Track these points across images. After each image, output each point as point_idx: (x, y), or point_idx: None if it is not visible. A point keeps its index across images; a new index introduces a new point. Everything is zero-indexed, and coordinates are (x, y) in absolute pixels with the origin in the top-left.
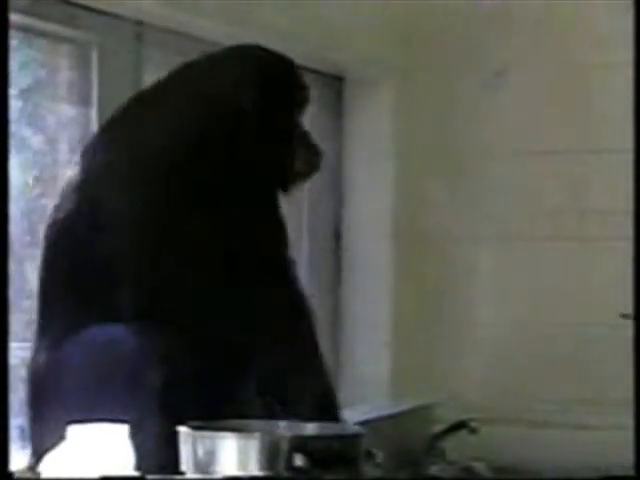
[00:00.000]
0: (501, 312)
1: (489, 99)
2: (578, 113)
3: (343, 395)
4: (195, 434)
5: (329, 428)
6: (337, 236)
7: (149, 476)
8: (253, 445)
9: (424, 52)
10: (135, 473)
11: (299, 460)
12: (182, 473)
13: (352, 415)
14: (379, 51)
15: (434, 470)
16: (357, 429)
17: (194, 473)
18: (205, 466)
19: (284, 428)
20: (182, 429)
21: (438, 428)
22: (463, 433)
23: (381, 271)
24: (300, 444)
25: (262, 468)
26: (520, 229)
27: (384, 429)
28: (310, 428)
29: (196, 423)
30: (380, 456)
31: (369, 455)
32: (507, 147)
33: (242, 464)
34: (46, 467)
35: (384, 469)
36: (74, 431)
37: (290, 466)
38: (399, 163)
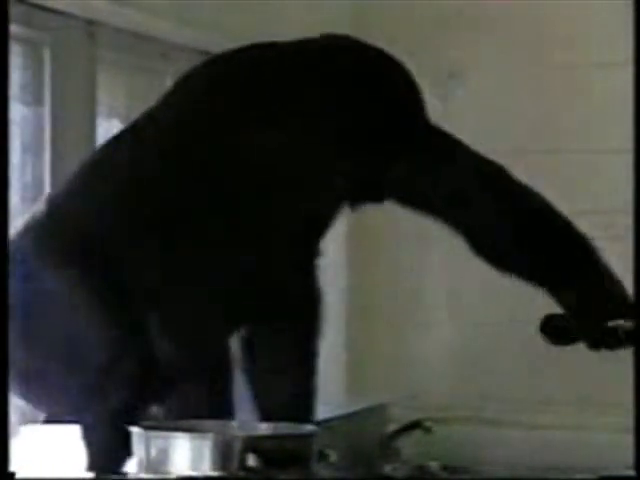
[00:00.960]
0: (456, 311)
1: (442, 100)
2: (536, 113)
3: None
4: (148, 434)
5: (282, 428)
6: None
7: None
8: (206, 445)
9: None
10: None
11: (252, 460)
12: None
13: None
14: None
15: (388, 469)
16: (310, 428)
17: (146, 473)
18: (158, 466)
19: (237, 428)
20: (134, 429)
21: (393, 427)
22: (418, 433)
23: (336, 268)
24: (253, 444)
25: (215, 468)
26: None
27: (338, 428)
28: (263, 428)
29: (149, 423)
30: (334, 455)
31: (322, 455)
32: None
33: (195, 464)
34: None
35: (338, 468)
36: (27, 431)
37: (243, 466)
38: None
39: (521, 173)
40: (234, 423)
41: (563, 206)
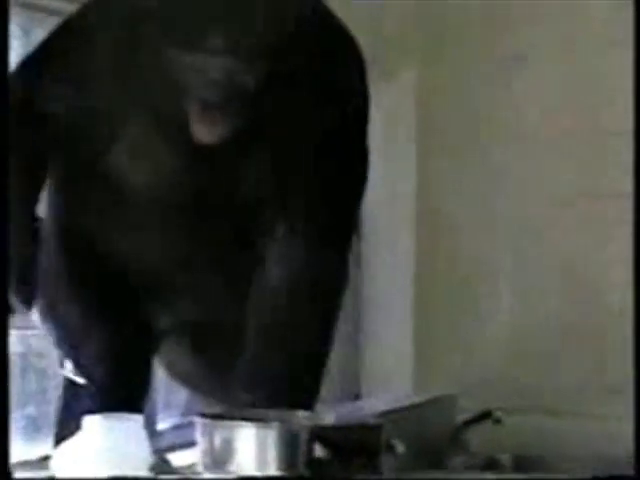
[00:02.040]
0: (522, 298)
1: (507, 83)
2: (593, 98)
3: (364, 385)
4: (212, 424)
5: (349, 418)
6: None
7: (162, 476)
8: (271, 435)
9: (442, 35)
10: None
11: (318, 451)
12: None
13: (373, 405)
14: (398, 34)
15: (457, 462)
16: (378, 419)
17: (210, 464)
18: (222, 457)
19: (303, 418)
20: (199, 419)
21: (461, 418)
22: (487, 423)
23: (403, 257)
24: (320, 434)
25: (280, 459)
26: (542, 216)
27: (405, 420)
28: (330, 418)
29: (212, 412)
30: (401, 447)
31: (389, 446)
32: (525, 130)
33: (260, 455)
34: (58, 458)
35: (404, 461)
36: (89, 421)
37: (309, 457)
38: (420, 148)
39: (595, 151)
40: (300, 412)
41: None
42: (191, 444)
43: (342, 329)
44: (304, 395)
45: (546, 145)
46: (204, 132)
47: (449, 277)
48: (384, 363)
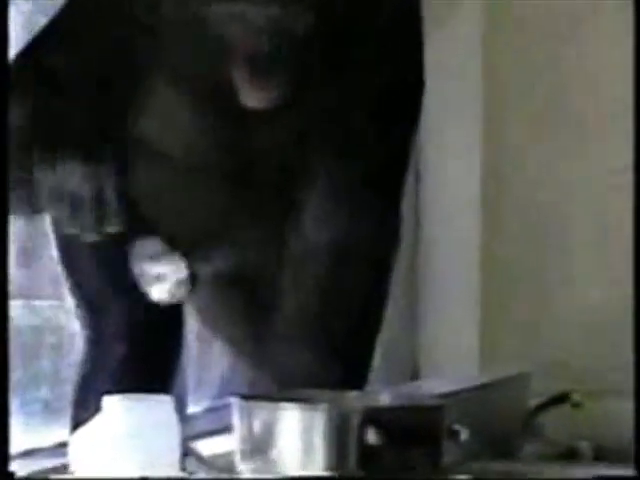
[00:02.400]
0: (600, 270)
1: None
2: None
3: (422, 364)
4: (251, 405)
5: (406, 399)
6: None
7: (196, 476)
8: (319, 418)
9: None
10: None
11: (372, 436)
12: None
13: (433, 386)
14: None
15: (530, 450)
16: (438, 401)
17: (249, 451)
18: (262, 442)
19: (355, 398)
20: (236, 400)
21: (535, 401)
22: (565, 407)
23: (469, 227)
24: (373, 417)
25: (329, 444)
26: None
27: (471, 402)
28: (385, 399)
29: (251, 393)
30: (465, 433)
31: (452, 432)
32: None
33: (306, 440)
34: (75, 444)
35: (469, 448)
36: (110, 402)
37: (361, 442)
38: (486, 107)
39: None
40: (350, 393)
41: None
42: (227, 429)
43: (397, 300)
44: (353, 373)
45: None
46: (253, 97)
47: (516, 245)
48: (445, 339)
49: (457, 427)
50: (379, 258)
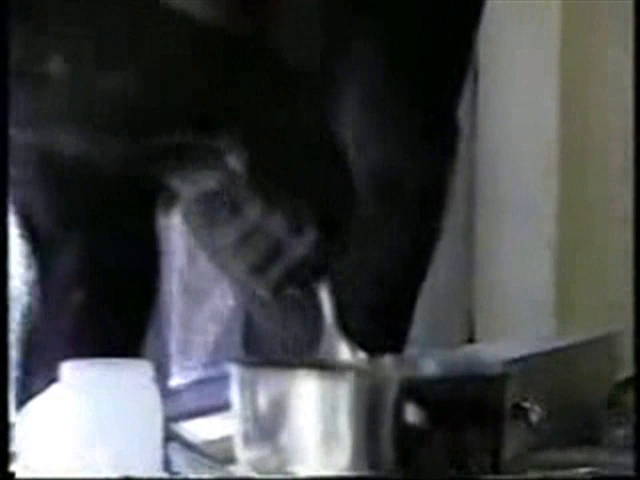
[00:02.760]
0: None
1: None
2: None
3: (479, 324)
4: (256, 374)
5: (458, 367)
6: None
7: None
8: (343, 391)
9: None
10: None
11: (412, 414)
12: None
13: (493, 351)
14: None
15: (619, 434)
16: (501, 369)
17: (253, 434)
18: (270, 423)
19: (391, 365)
20: (235, 367)
21: (626, 372)
22: None
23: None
24: (415, 390)
25: (356, 425)
26: None
27: (543, 372)
28: (430, 366)
29: (254, 359)
30: (536, 413)
31: (520, 409)
32: None
33: (327, 419)
34: (24, 424)
35: (541, 432)
36: (68, 370)
37: (399, 422)
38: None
39: None
40: (385, 358)
41: None
42: (222, 407)
43: (448, 246)
44: (389, 331)
45: None
46: None
47: (599, 194)
48: (509, 290)
49: (526, 404)
50: (430, 185)
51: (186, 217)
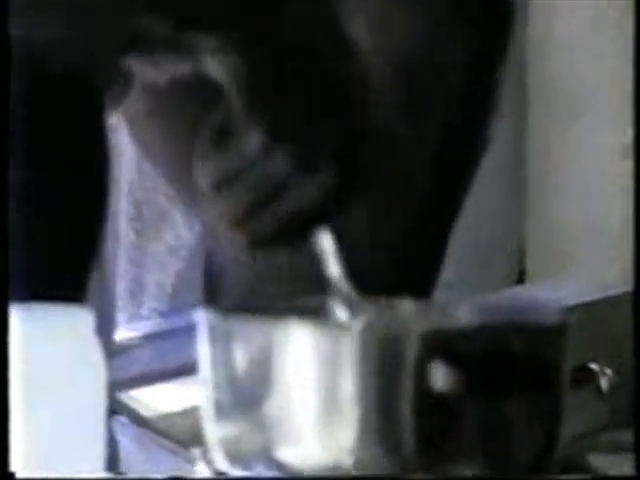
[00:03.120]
0: None
1: None
2: None
3: (530, 260)
4: (232, 324)
5: (500, 314)
6: None
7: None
8: (348, 345)
9: None
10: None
11: (439, 377)
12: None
13: (548, 294)
14: None
15: None
16: (560, 318)
17: (227, 403)
18: (251, 386)
19: (410, 313)
20: (203, 315)
21: None
22: None
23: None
24: (443, 344)
25: (364, 391)
26: None
27: (614, 325)
28: (463, 314)
29: (230, 304)
30: (609, 377)
31: (585, 373)
32: None
33: (326, 382)
34: None
35: (614, 405)
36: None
37: (422, 388)
38: None
39: None
40: (406, 302)
41: None
42: (185, 369)
43: (493, 168)
44: (412, 268)
45: None
46: None
47: None
48: (569, 227)
49: (593, 365)
50: (474, 81)
51: (137, 136)
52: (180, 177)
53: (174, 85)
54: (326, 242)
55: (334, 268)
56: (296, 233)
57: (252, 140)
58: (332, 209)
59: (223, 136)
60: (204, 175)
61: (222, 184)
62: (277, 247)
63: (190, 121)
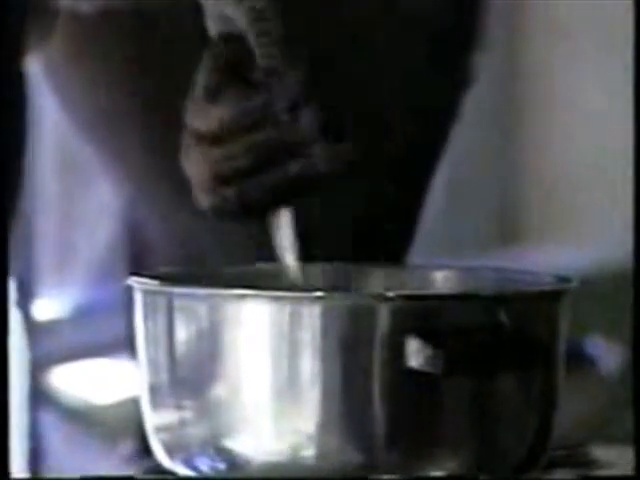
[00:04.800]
0: None
1: None
2: None
3: (525, 214)
4: (175, 294)
5: (488, 280)
6: None
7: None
8: (309, 318)
9: None
10: None
11: (414, 353)
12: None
13: (544, 259)
14: None
15: None
16: (554, 284)
17: (168, 380)
18: (196, 367)
19: (380, 281)
20: (138, 285)
21: None
22: None
23: None
24: (419, 316)
25: (327, 370)
26: None
27: (617, 293)
28: (443, 280)
29: (171, 270)
30: (613, 355)
31: (586, 349)
32: None
33: (283, 360)
34: None
35: (618, 387)
36: None
37: (394, 366)
38: None
39: None
40: (373, 269)
41: None
42: (116, 347)
43: (478, 116)
44: (382, 233)
45: None
46: None
47: None
48: (564, 183)
49: (595, 340)
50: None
51: (56, 85)
52: (105, 136)
53: (104, 20)
54: (284, 212)
55: (287, 237)
56: (277, 205)
57: (285, 92)
58: (326, 180)
59: (216, 92)
60: (202, 121)
61: (225, 136)
62: (249, 218)
63: (123, 67)
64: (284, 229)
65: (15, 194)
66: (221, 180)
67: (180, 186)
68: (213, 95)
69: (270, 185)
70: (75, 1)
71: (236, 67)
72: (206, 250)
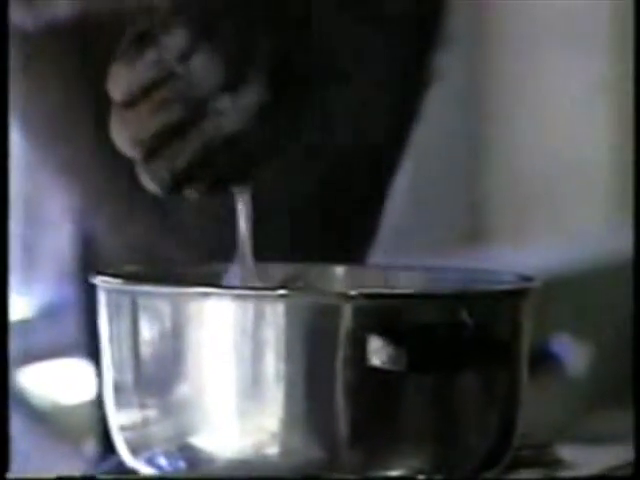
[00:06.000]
0: None
1: None
2: None
3: (486, 217)
4: (139, 293)
5: (451, 280)
6: None
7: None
8: (272, 316)
9: None
10: None
11: (377, 352)
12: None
13: (509, 258)
14: None
15: None
16: (518, 283)
17: (133, 379)
18: (160, 366)
19: (343, 280)
20: (102, 283)
21: None
22: None
23: None
24: (381, 315)
25: (290, 368)
26: None
27: (585, 291)
28: (406, 279)
29: (134, 269)
30: (578, 355)
31: (549, 348)
32: None
33: (247, 359)
34: None
35: (583, 388)
36: None
37: (357, 365)
38: None
39: None
40: (335, 268)
41: None
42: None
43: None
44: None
45: None
46: None
47: None
48: (532, 178)
49: (559, 338)
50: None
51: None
52: (52, 142)
53: (51, 31)
54: (242, 200)
55: (245, 232)
56: (217, 173)
57: (174, 43)
58: (264, 149)
59: (143, 44)
60: (115, 88)
61: (135, 98)
62: (191, 190)
63: (70, 76)
64: (241, 211)
65: None
66: (146, 152)
67: (135, 189)
68: (126, 59)
69: (192, 151)
70: (23, 18)
71: (143, 32)
72: (166, 250)
